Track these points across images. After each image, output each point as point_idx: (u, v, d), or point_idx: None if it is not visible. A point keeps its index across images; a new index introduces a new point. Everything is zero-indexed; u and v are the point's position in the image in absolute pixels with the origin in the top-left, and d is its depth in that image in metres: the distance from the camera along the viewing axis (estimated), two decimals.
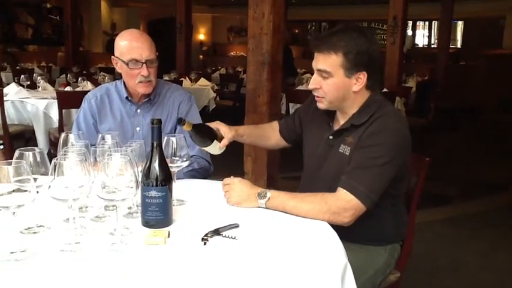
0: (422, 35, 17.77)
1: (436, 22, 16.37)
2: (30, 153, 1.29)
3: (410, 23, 15.62)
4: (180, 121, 1.65)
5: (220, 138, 1.75)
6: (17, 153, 1.28)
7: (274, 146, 2.08)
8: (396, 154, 1.60)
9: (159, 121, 1.40)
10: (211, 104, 6.79)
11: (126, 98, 2.12)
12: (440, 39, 11.16)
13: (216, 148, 1.76)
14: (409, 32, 15.46)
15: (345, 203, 1.52)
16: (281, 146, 2.06)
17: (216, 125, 1.78)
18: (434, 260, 3.16)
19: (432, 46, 16.97)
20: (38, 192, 1.21)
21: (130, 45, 2.01)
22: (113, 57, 2.06)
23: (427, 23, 17.39)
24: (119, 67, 2.06)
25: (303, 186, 1.86)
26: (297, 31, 18.19)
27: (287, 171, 3.67)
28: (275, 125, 2.07)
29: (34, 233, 1.34)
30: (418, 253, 1.91)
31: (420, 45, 17.50)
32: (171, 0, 10.98)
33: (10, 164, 1.16)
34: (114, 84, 2.20)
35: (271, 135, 2.05)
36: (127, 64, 2.01)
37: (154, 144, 1.39)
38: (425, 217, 1.92)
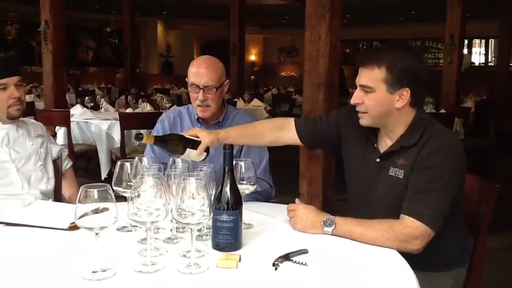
0: (478, 53, 17.26)
1: (493, 40, 15.90)
2: None
3: (466, 41, 15.23)
4: (137, 136, 1.65)
5: (197, 145, 1.71)
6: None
7: (270, 144, 1.98)
8: (455, 172, 1.58)
9: (231, 146, 1.44)
10: None
11: (197, 119, 2.22)
12: (499, 57, 10.80)
13: (193, 155, 1.70)
14: (465, 51, 15.06)
15: (412, 230, 1.50)
16: (280, 144, 1.96)
17: (194, 132, 1.76)
18: None
19: (489, 64, 16.45)
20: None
21: (194, 71, 2.13)
22: (186, 79, 2.19)
23: (483, 40, 16.90)
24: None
25: (355, 209, 1.82)
26: (348, 50, 18.09)
27: (342, 193, 3.63)
28: (279, 122, 1.97)
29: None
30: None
31: (476, 63, 16.99)
32: (224, 22, 11.24)
33: (95, 187, 1.23)
34: (186, 107, 2.32)
35: (265, 132, 1.93)
36: (189, 87, 2.15)
37: (226, 169, 1.43)
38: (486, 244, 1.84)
